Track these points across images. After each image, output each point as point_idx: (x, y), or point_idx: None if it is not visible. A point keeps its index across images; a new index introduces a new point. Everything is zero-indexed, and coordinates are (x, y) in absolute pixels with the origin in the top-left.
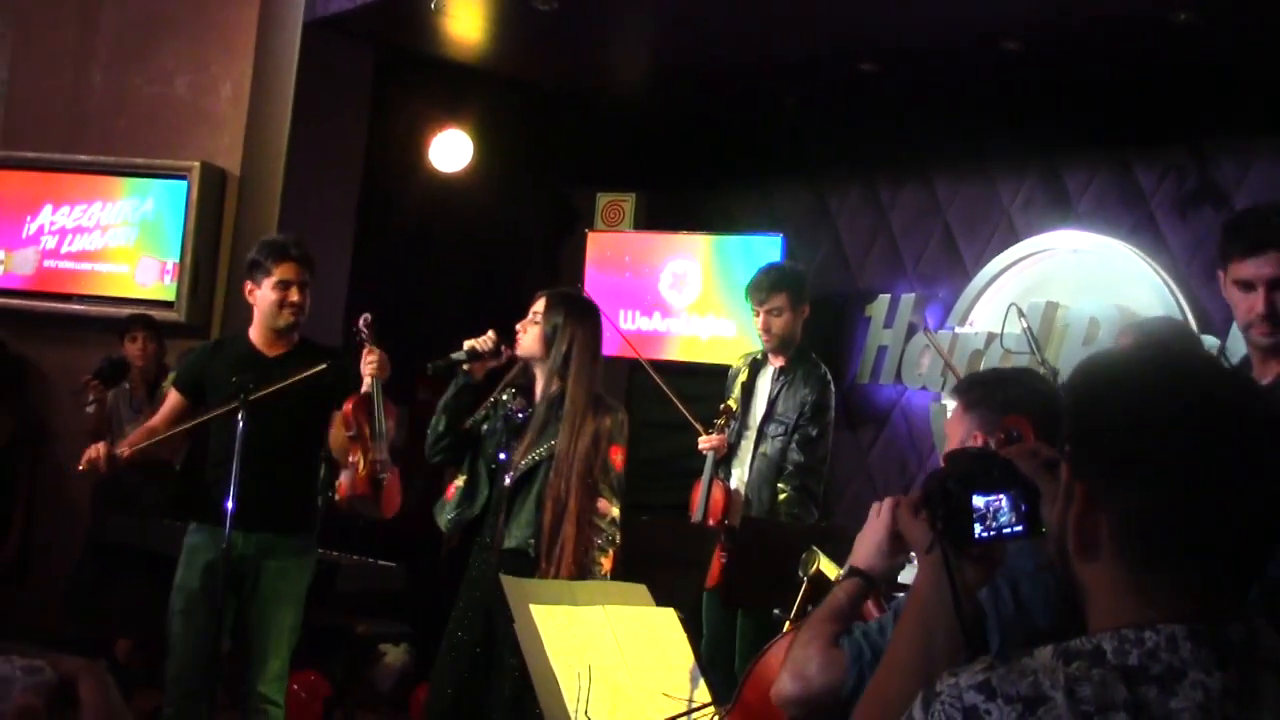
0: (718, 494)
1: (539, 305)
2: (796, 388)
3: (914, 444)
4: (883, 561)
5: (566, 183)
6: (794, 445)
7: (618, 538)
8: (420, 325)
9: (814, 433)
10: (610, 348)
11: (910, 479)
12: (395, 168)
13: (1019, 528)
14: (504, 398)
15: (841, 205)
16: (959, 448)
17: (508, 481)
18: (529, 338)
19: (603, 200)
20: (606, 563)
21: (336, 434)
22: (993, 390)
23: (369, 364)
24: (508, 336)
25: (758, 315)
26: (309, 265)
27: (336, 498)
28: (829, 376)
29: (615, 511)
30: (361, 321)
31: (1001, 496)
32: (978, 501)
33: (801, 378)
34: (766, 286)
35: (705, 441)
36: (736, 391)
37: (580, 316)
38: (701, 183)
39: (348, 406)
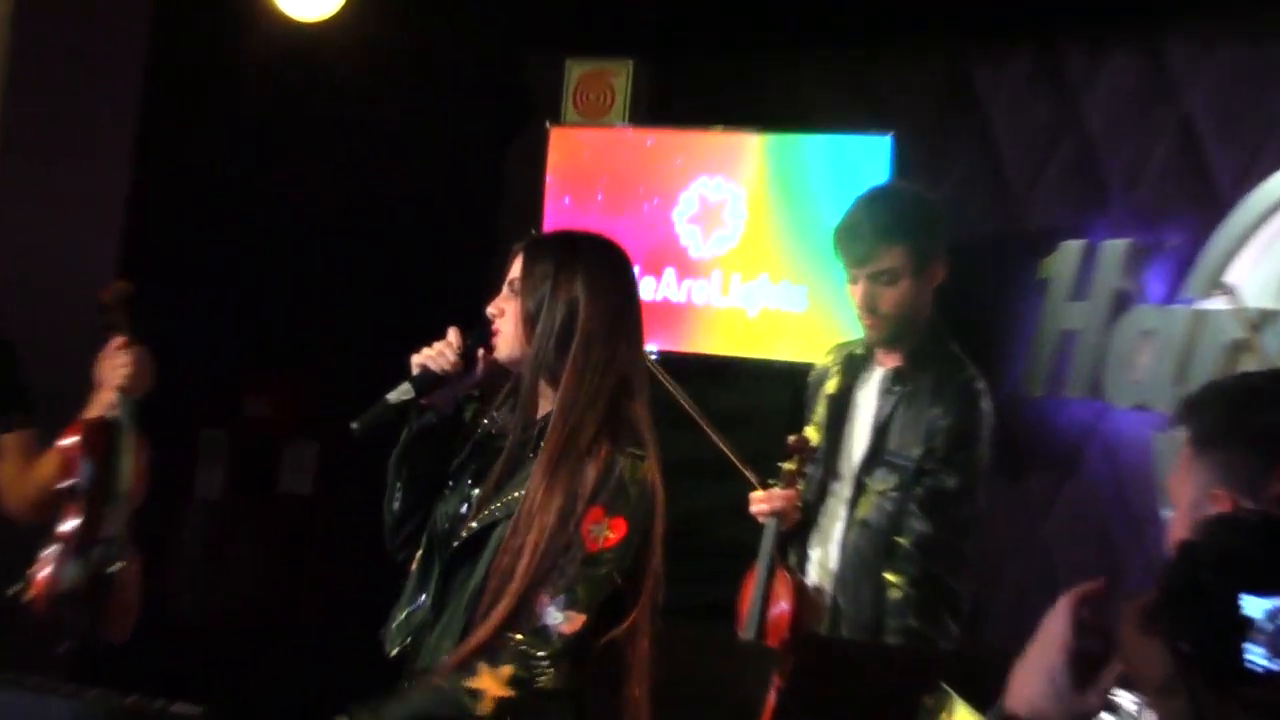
0: (783, 592)
1: (515, 265)
2: (922, 406)
3: (1124, 502)
4: (1061, 707)
5: (515, 43)
6: (917, 506)
7: (549, 675)
8: (256, 299)
9: (954, 484)
10: None
11: (1118, 563)
12: (210, 18)
13: None
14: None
15: (998, 84)
16: (1211, 515)
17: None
18: (508, 321)
19: (577, 72)
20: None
21: (34, 483)
22: (1254, 415)
23: (116, 369)
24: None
25: (854, 284)
26: None
27: (29, 596)
28: (980, 385)
29: (566, 625)
30: (110, 294)
31: None
32: (1253, 608)
33: (932, 388)
34: (869, 234)
35: (762, 502)
36: (820, 411)
37: (588, 270)
38: (746, 45)
39: (69, 440)
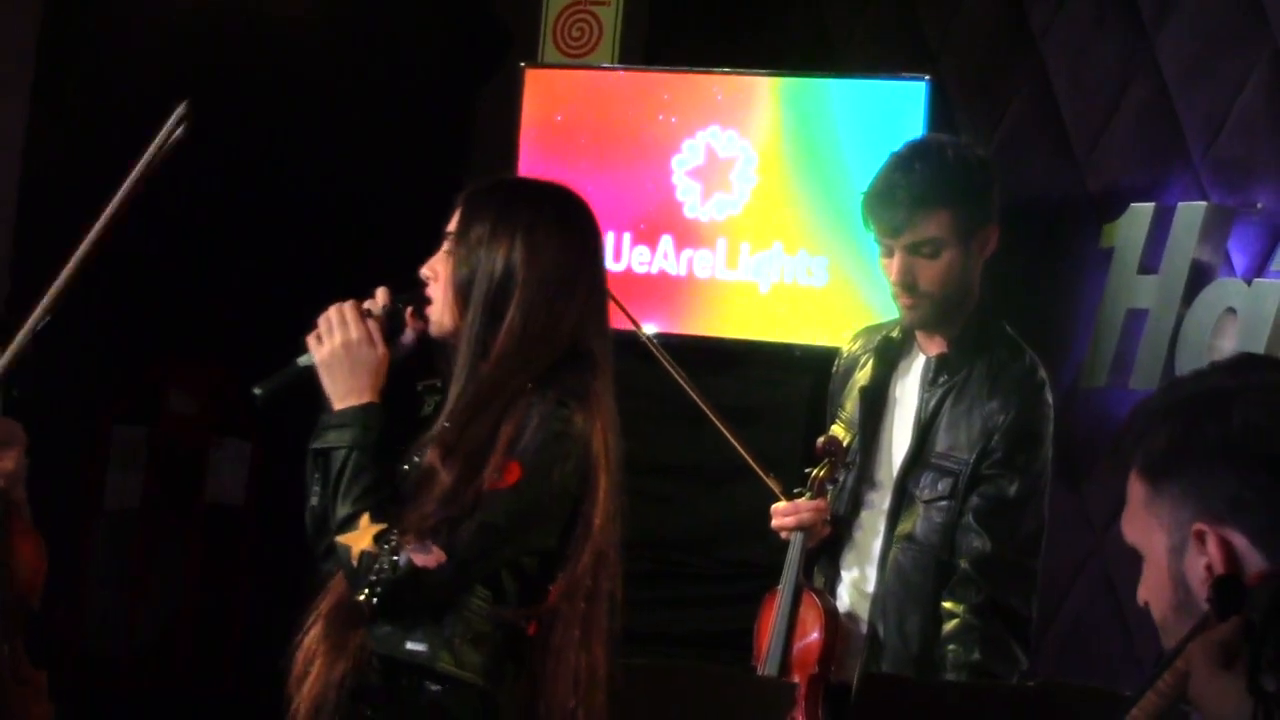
0: (811, 620)
1: (453, 219)
2: (975, 399)
3: None
4: None
5: None
6: (974, 519)
7: (373, 591)
8: (181, 274)
9: (1017, 491)
10: None
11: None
12: None
13: None
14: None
15: (1056, 19)
16: None
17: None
18: (441, 285)
19: (557, 3)
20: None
21: None
22: (1214, 422)
23: None
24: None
25: (889, 257)
26: None
27: None
28: (1042, 374)
29: (418, 556)
30: None
31: None
32: None
33: (985, 378)
34: (906, 197)
35: (786, 515)
36: (849, 407)
37: (530, 227)
38: None
39: None
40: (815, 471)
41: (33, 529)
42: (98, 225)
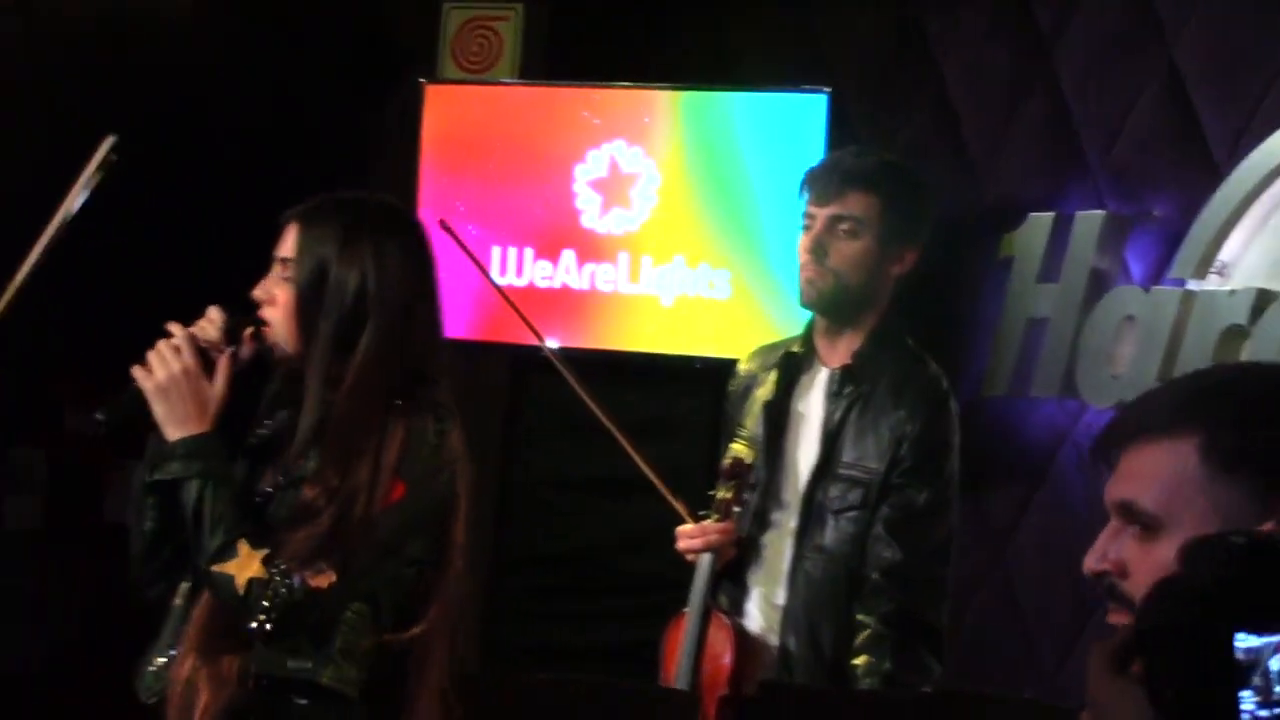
0: (720, 641)
1: (287, 241)
2: (881, 409)
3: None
4: None
5: None
6: (885, 530)
7: (268, 618)
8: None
9: (925, 501)
10: (460, 321)
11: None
12: None
13: None
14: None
15: (954, 31)
16: (1202, 536)
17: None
18: (279, 310)
19: (456, 18)
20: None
21: None
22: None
23: None
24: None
25: (808, 231)
26: None
27: None
28: (947, 385)
29: (312, 577)
30: None
31: None
32: (1246, 648)
33: (890, 389)
34: (846, 172)
35: (693, 538)
36: (750, 424)
37: (377, 248)
38: None
39: None
40: (721, 493)
41: None
42: (24, 266)
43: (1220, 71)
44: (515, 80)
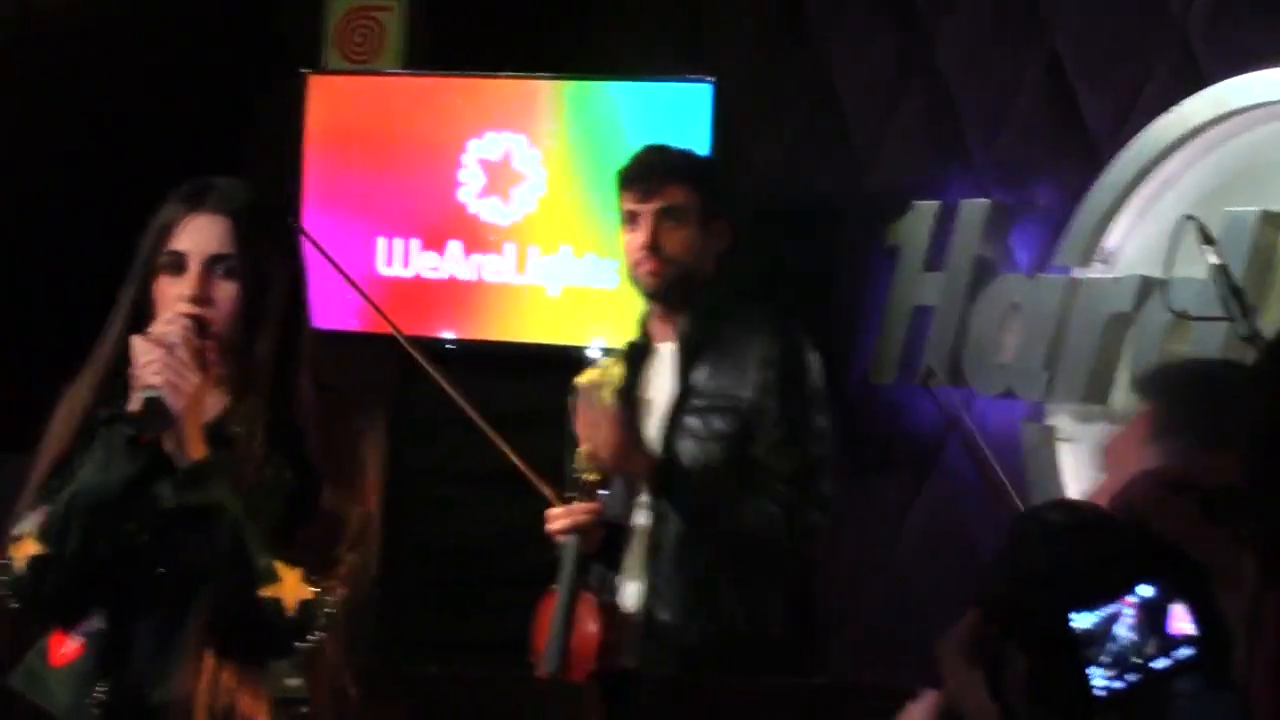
0: (588, 617)
1: (213, 235)
2: (736, 345)
3: (991, 506)
4: None
5: None
6: (765, 447)
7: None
8: None
9: (796, 405)
10: (349, 313)
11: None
12: None
13: (1186, 657)
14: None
15: (834, 16)
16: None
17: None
18: (222, 308)
19: (339, 9)
20: None
21: None
22: (1216, 399)
23: None
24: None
25: (633, 227)
26: None
27: None
28: (802, 334)
29: (341, 592)
30: None
31: (1132, 601)
32: (1085, 623)
33: (737, 335)
34: (660, 167)
35: (559, 519)
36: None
37: (291, 237)
38: None
39: None
40: (587, 476)
41: None
42: None
43: (1101, 59)
44: (399, 70)
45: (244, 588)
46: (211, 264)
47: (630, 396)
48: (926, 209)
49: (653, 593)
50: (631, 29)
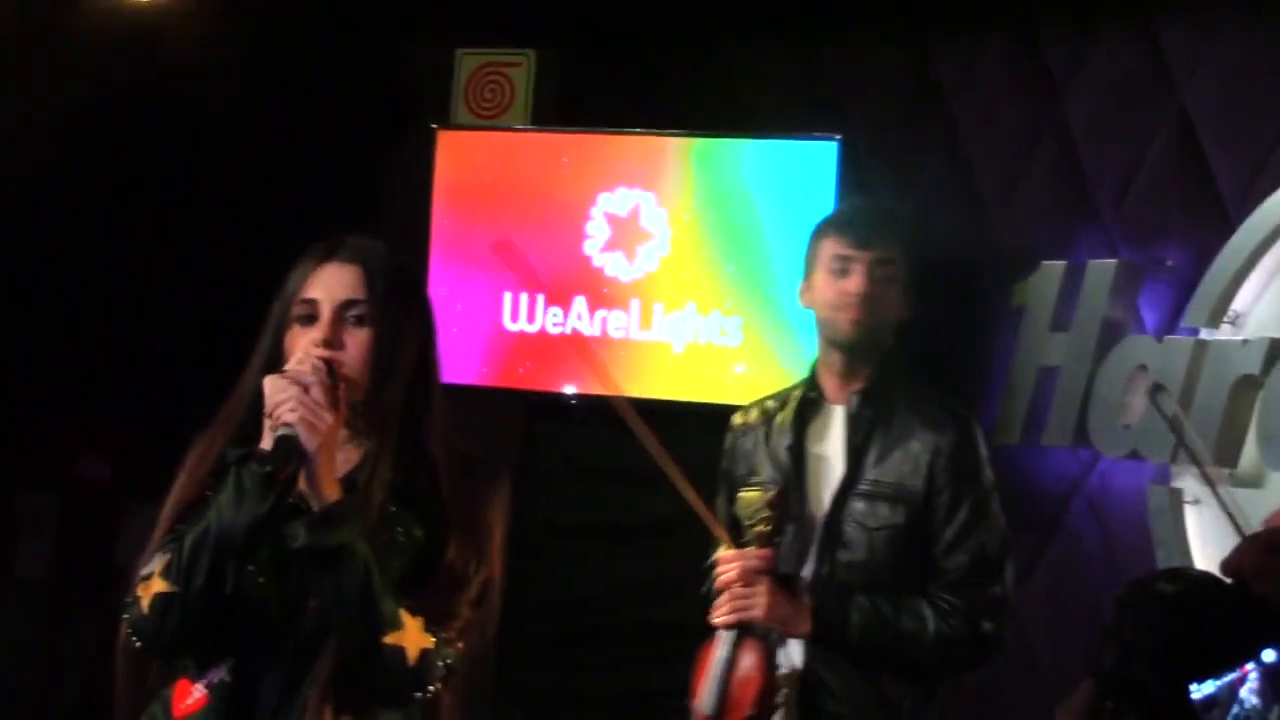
0: (749, 662)
1: (345, 282)
2: (907, 429)
3: (1115, 568)
4: None
5: (397, 29)
6: (938, 546)
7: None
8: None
9: (972, 500)
10: (472, 368)
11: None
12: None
13: None
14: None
15: (966, 78)
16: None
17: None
18: (353, 353)
19: (469, 64)
20: None
21: None
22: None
23: None
24: None
25: (841, 275)
26: None
27: None
28: (975, 423)
29: (451, 653)
30: None
31: (1253, 667)
32: (1204, 691)
33: (912, 411)
34: (877, 219)
35: (729, 562)
36: (765, 471)
37: (425, 300)
38: (669, 33)
39: None
40: (760, 528)
41: None
42: None
43: (1232, 120)
44: (527, 126)
45: (369, 632)
46: (343, 310)
47: (800, 451)
48: (1054, 269)
49: (819, 654)
50: (759, 86)
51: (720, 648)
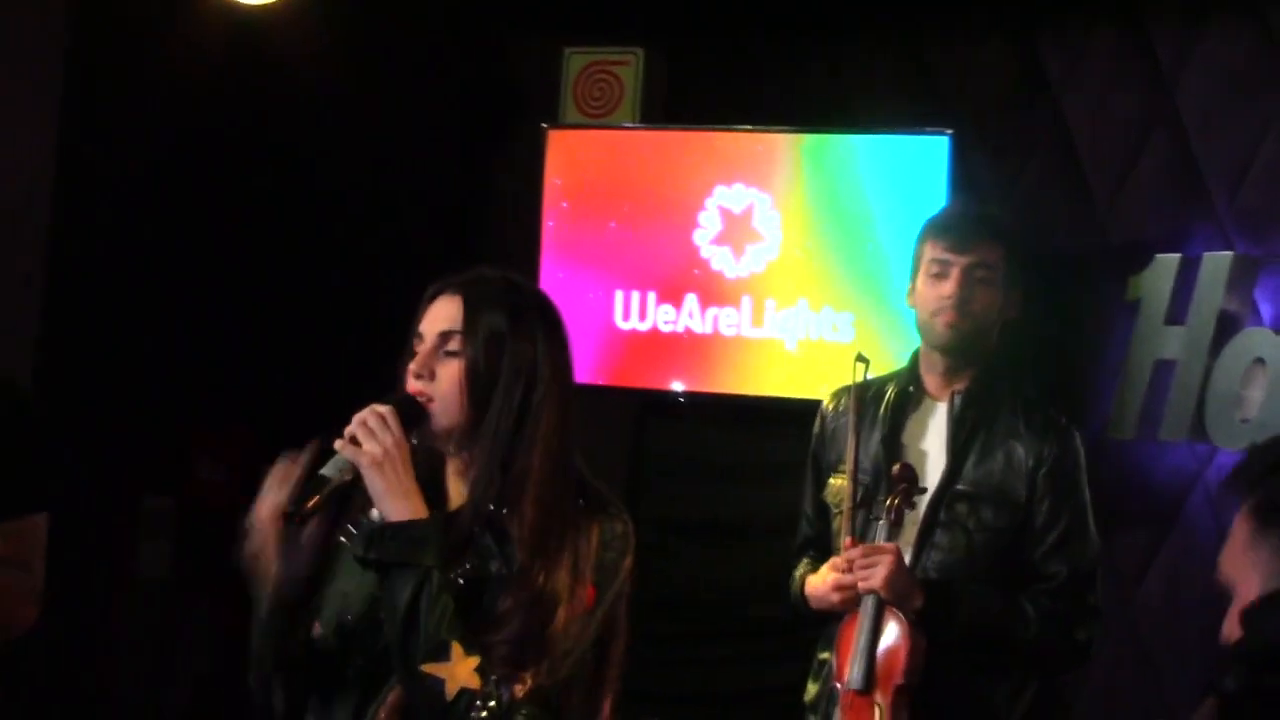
0: (894, 632)
1: (446, 314)
2: (1010, 432)
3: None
4: None
5: (504, 28)
6: (1039, 551)
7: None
8: (206, 339)
9: (1072, 510)
10: (585, 365)
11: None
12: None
13: None
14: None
15: (1073, 68)
16: (1260, 598)
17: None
18: (444, 385)
19: (578, 63)
20: None
21: None
22: None
23: None
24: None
25: (940, 278)
26: None
27: None
28: (1076, 432)
29: (518, 685)
30: None
31: None
32: None
33: (1014, 415)
34: (976, 221)
35: (868, 560)
36: (854, 458)
37: (545, 323)
38: (778, 27)
39: None
40: (890, 500)
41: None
42: None
43: None
44: (636, 124)
45: (405, 656)
46: (440, 342)
47: (894, 442)
48: (1168, 262)
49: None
50: (868, 81)
51: (863, 619)
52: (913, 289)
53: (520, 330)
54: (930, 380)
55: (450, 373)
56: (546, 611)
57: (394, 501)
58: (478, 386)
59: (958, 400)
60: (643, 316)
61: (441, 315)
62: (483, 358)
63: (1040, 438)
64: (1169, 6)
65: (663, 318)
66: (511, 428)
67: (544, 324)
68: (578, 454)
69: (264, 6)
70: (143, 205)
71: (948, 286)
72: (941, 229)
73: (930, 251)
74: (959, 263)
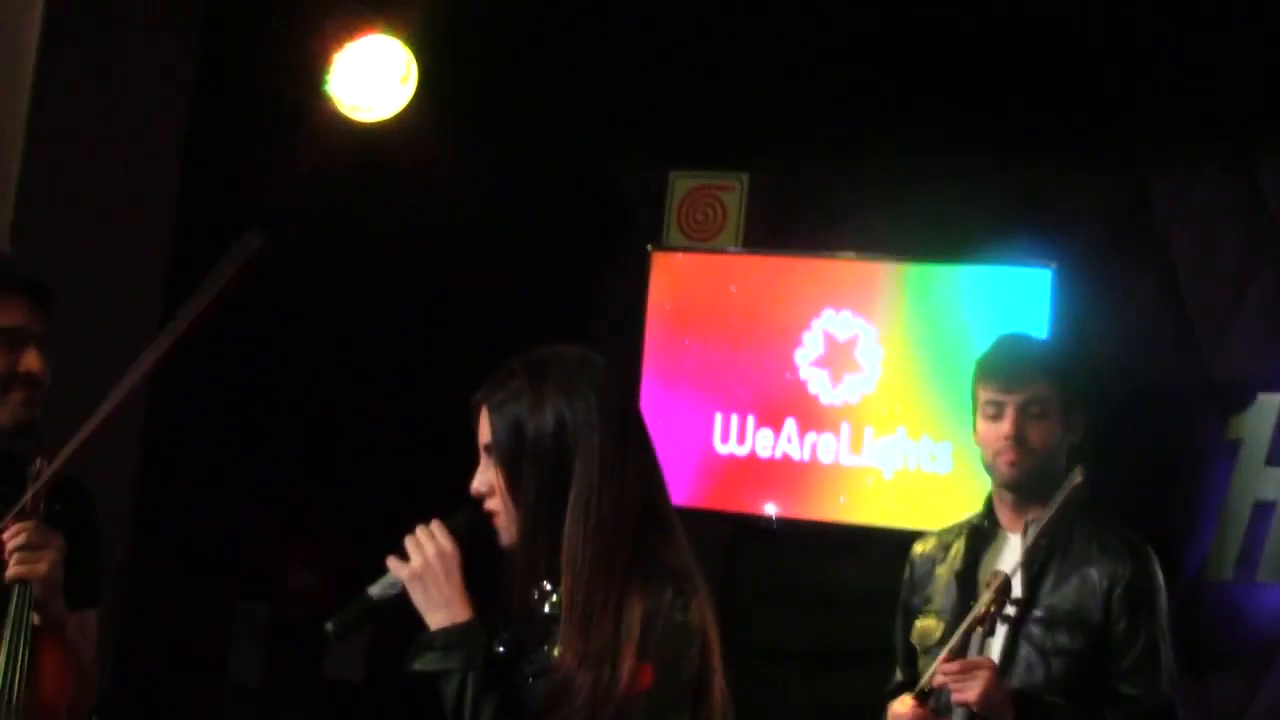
0: None
1: (483, 427)
2: (1084, 556)
3: None
4: None
5: (610, 152)
6: (1119, 675)
7: None
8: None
9: (1148, 631)
10: (680, 487)
11: None
12: (257, 114)
13: None
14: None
15: (1179, 206)
16: None
17: None
18: (498, 497)
19: (683, 186)
20: None
21: None
22: None
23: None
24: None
25: (995, 419)
26: (45, 304)
27: None
28: (1153, 555)
29: None
30: (40, 466)
31: None
32: None
33: (1090, 537)
34: (1023, 360)
35: (967, 677)
36: (938, 599)
37: (571, 403)
38: (885, 154)
39: None
40: (986, 607)
41: (64, 645)
42: (158, 345)
43: None
44: (739, 249)
45: None
46: (486, 455)
47: (970, 577)
48: (1271, 402)
49: None
50: (973, 212)
51: None
52: (975, 428)
53: (539, 404)
54: (1003, 514)
55: (498, 483)
56: (591, 686)
57: (432, 613)
58: (515, 484)
59: (1030, 529)
60: (741, 440)
61: (482, 429)
62: (509, 457)
63: (1115, 559)
64: (1277, 147)
65: (761, 442)
66: (548, 505)
67: (568, 383)
68: (663, 524)
69: (381, 126)
70: (250, 318)
71: (1005, 426)
72: (990, 370)
73: (984, 393)
74: (1011, 401)
